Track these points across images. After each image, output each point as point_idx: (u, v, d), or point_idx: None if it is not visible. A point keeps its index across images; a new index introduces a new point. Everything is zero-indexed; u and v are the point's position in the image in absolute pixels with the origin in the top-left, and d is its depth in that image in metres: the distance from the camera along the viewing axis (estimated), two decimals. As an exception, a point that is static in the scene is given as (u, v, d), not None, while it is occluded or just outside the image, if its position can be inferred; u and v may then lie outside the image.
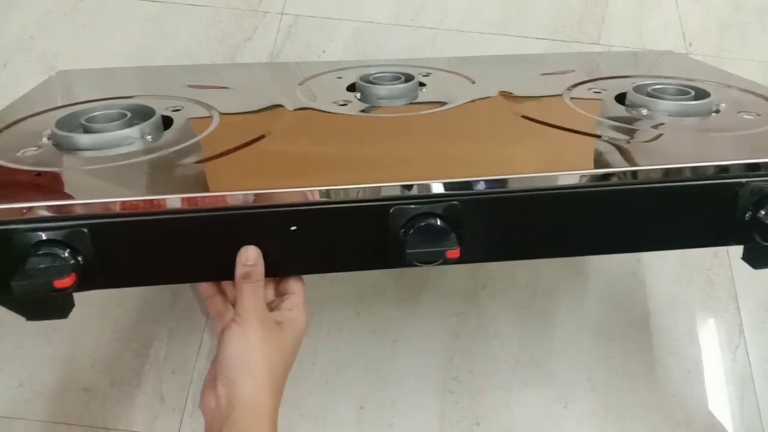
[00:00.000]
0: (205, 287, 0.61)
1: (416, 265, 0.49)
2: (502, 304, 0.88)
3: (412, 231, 0.49)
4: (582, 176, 0.51)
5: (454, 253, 0.49)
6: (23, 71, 1.03)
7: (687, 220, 0.53)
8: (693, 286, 0.90)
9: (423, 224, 0.49)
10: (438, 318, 0.87)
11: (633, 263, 0.92)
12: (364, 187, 0.50)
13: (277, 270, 0.54)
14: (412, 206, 0.49)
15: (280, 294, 0.60)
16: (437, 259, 0.49)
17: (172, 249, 0.50)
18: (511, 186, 0.51)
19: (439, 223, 0.49)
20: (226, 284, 0.60)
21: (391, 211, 0.50)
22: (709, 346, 0.87)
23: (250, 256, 0.52)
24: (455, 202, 0.50)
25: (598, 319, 0.88)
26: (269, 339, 0.53)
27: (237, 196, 0.49)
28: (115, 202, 0.48)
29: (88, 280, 0.48)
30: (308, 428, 0.80)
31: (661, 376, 0.85)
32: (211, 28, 1.08)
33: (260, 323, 0.52)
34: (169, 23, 1.08)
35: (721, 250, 0.92)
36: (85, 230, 0.47)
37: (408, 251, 0.49)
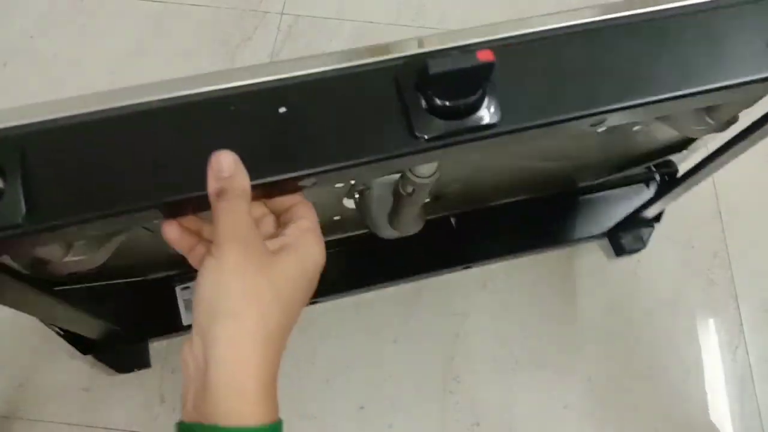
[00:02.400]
0: (181, 239, 0.42)
1: (447, 107, 0.37)
2: (502, 304, 0.88)
3: (430, 81, 0.38)
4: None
5: (485, 54, 0.36)
6: (23, 71, 1.03)
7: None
8: (693, 286, 0.90)
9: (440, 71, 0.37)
10: (438, 318, 0.87)
11: (633, 263, 0.92)
12: (368, 48, 0.40)
13: (267, 183, 0.39)
14: (426, 59, 0.37)
15: (282, 225, 0.43)
16: (469, 62, 0.36)
17: (116, 162, 0.37)
18: (539, 26, 0.42)
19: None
20: (209, 228, 0.43)
21: (398, 70, 0.39)
22: (709, 346, 0.87)
23: (223, 165, 0.37)
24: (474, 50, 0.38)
25: (599, 319, 0.88)
26: (254, 267, 0.37)
27: (204, 77, 0.38)
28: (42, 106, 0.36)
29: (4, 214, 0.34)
30: (308, 428, 0.80)
31: (661, 376, 0.85)
32: (211, 28, 1.08)
33: (241, 248, 0.37)
34: (169, 23, 1.08)
35: (721, 250, 0.92)
36: None
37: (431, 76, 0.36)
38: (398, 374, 0.84)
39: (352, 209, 0.71)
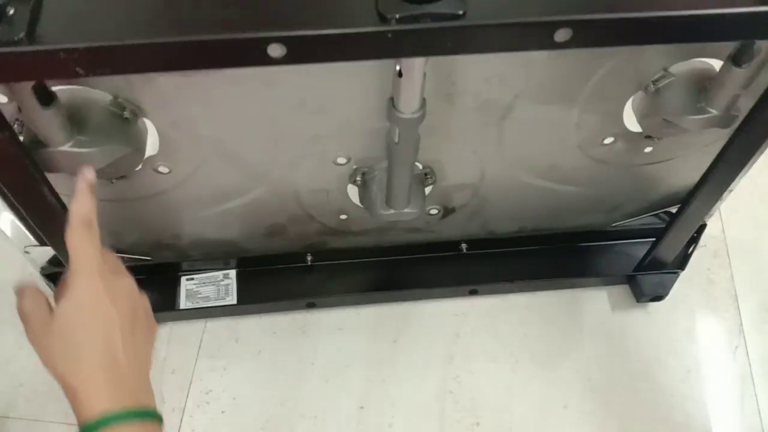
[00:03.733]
0: None
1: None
2: (501, 305, 0.89)
3: None
4: None
5: None
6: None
7: None
8: (693, 286, 0.90)
9: None
10: (438, 318, 0.88)
11: (633, 263, 0.92)
12: None
13: (237, 40, 0.43)
14: None
15: None
16: None
17: (112, 15, 0.43)
18: None
19: None
20: None
21: None
22: (709, 346, 0.87)
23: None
24: None
25: (598, 318, 0.88)
26: None
27: None
28: None
29: None
30: (308, 428, 0.80)
31: (661, 376, 0.85)
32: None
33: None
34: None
35: (721, 249, 0.92)
36: None
37: None
38: (398, 374, 0.84)
39: (356, 206, 0.71)
